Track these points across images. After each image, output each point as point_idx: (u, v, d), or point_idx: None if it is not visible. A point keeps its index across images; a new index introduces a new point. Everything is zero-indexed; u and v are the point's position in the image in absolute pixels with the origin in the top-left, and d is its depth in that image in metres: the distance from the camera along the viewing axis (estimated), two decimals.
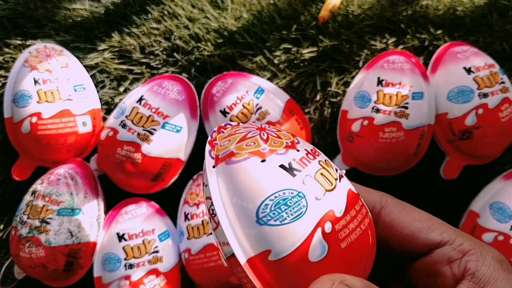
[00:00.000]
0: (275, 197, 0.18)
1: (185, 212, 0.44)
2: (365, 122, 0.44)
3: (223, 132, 0.21)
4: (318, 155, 0.20)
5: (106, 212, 0.46)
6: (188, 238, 0.43)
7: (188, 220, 0.43)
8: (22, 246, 0.42)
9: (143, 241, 0.42)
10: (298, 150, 0.20)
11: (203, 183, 0.20)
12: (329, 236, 0.18)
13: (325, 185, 0.19)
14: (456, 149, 0.45)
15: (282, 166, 0.19)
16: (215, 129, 0.21)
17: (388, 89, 0.44)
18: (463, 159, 0.45)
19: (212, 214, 0.19)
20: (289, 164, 0.19)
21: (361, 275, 0.19)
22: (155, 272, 0.42)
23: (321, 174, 0.19)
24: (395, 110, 0.43)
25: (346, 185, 0.20)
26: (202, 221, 0.42)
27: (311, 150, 0.20)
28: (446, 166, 0.46)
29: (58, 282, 0.44)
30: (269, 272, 0.18)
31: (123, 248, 0.42)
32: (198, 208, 0.43)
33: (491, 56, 0.46)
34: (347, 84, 0.50)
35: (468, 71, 0.44)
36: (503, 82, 0.44)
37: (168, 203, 0.46)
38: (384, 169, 0.45)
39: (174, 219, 0.46)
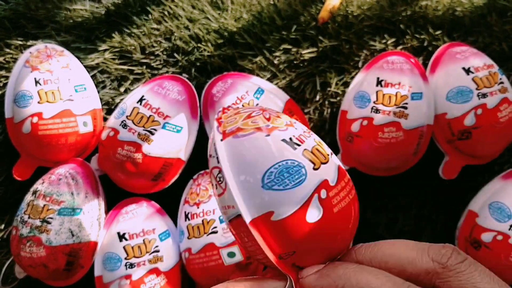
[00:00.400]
0: (279, 166, 0.21)
1: (185, 212, 0.44)
2: (365, 122, 0.44)
3: (227, 112, 0.24)
4: (312, 134, 0.23)
5: (106, 211, 0.46)
6: (188, 238, 0.43)
7: (189, 219, 0.43)
8: (23, 246, 0.42)
9: (143, 240, 0.43)
10: (296, 128, 0.23)
11: (210, 155, 0.23)
12: (324, 201, 0.21)
13: (320, 158, 0.22)
14: (455, 149, 0.45)
15: (284, 140, 0.22)
16: (220, 109, 0.24)
17: (387, 89, 0.44)
18: (462, 159, 0.45)
19: (219, 181, 0.22)
20: (290, 138, 0.22)
21: (347, 239, 0.21)
22: (155, 271, 0.42)
23: (317, 149, 0.22)
24: (394, 110, 0.43)
25: (337, 160, 0.23)
26: (202, 221, 0.42)
27: (306, 129, 0.23)
28: (445, 166, 0.46)
29: (58, 282, 0.45)
30: (271, 231, 0.20)
31: (124, 247, 0.42)
32: (198, 207, 0.43)
33: (490, 57, 0.46)
34: (346, 84, 0.50)
35: (467, 71, 0.44)
36: (502, 82, 0.44)
37: (169, 202, 0.46)
38: (384, 169, 0.45)
39: (174, 219, 0.46)
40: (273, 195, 0.20)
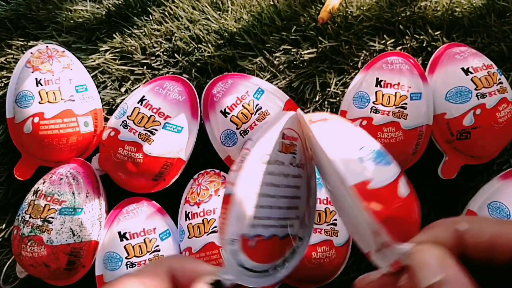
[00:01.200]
0: (371, 146, 0.24)
1: (185, 211, 0.44)
2: (364, 122, 0.44)
3: None
4: None
5: (107, 211, 0.46)
6: (188, 237, 0.43)
7: (189, 219, 0.43)
8: (24, 245, 0.42)
9: (144, 240, 0.43)
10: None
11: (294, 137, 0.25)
12: (408, 184, 0.23)
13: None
14: (454, 149, 0.46)
15: (367, 134, 0.25)
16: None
17: (386, 89, 0.44)
18: (461, 159, 0.46)
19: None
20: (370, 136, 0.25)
21: (418, 227, 0.24)
22: None
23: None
24: (393, 110, 0.43)
25: None
26: (203, 220, 0.43)
27: None
28: (444, 165, 0.46)
29: (59, 281, 0.45)
30: (366, 198, 0.22)
31: (125, 247, 0.42)
32: (198, 207, 0.43)
33: (489, 57, 0.47)
34: (346, 84, 0.50)
35: (466, 71, 0.45)
36: (501, 83, 0.44)
37: (169, 202, 0.47)
38: None
39: (175, 218, 0.46)
40: (371, 165, 0.22)
